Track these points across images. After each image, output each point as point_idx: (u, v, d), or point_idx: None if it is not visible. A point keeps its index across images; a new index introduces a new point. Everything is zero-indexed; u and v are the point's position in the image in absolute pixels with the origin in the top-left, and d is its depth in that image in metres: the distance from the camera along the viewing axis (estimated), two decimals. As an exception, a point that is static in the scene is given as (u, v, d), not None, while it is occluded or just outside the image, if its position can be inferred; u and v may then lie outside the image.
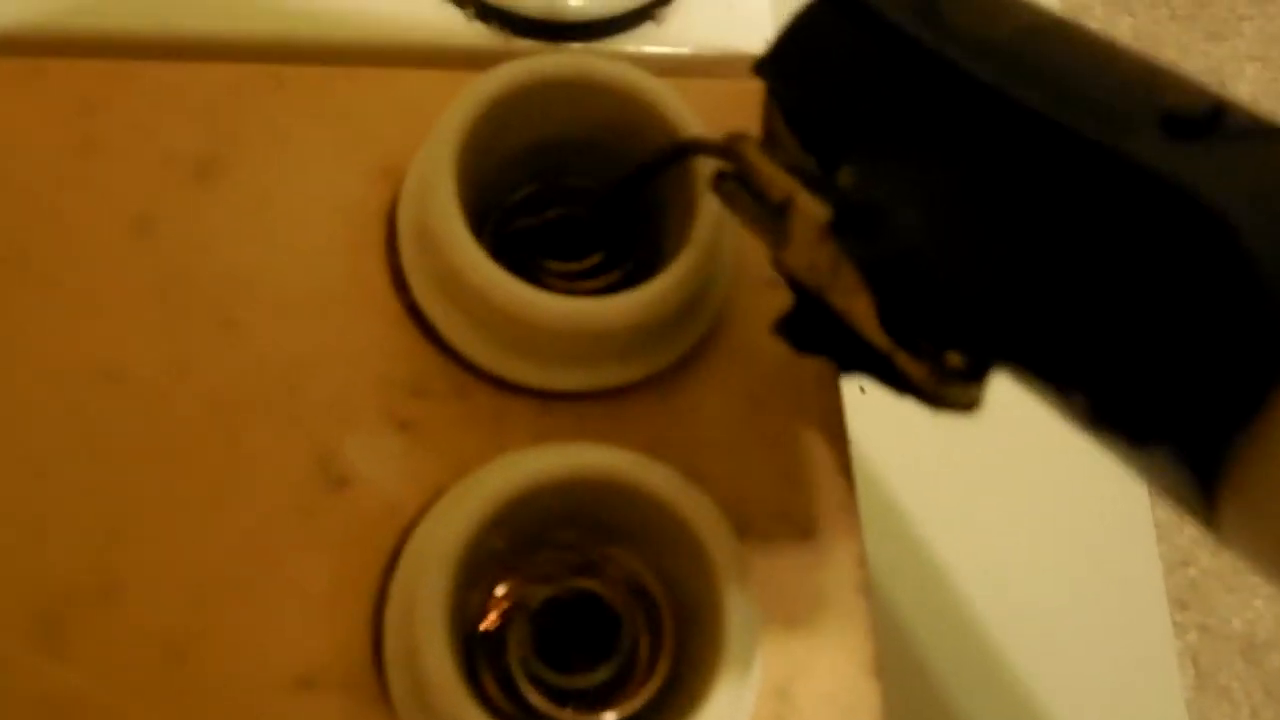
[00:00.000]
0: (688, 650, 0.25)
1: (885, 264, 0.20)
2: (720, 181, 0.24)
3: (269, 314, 0.27)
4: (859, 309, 0.21)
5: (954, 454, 0.42)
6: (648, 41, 0.32)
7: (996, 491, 0.42)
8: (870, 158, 0.20)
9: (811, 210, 0.21)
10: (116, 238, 0.28)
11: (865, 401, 0.36)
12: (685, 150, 0.26)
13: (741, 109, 0.28)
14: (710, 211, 0.26)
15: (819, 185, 0.21)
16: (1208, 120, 0.17)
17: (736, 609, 0.23)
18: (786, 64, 0.22)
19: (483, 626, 0.25)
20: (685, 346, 0.27)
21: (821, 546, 0.27)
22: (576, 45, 0.32)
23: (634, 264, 0.29)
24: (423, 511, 0.25)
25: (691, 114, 0.27)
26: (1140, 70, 0.19)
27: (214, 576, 0.25)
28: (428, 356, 0.27)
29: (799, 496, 0.27)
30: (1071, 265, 0.18)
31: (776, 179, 0.21)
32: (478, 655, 0.25)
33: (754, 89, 0.27)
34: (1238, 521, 0.17)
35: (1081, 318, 0.18)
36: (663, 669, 0.24)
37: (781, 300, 0.28)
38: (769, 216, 0.22)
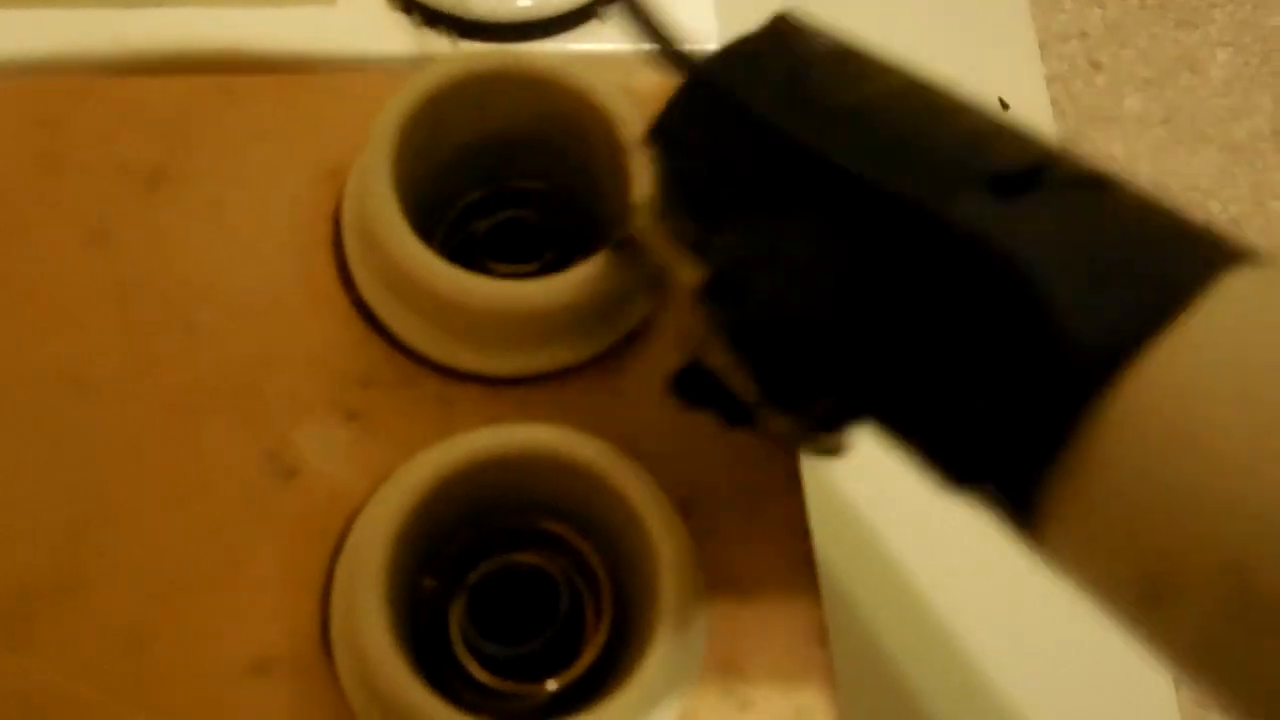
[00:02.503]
0: (629, 622, 0.25)
1: (743, 326, 0.21)
2: (616, 244, 0.25)
3: (223, 315, 0.28)
4: (730, 369, 0.22)
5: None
6: (593, 39, 0.33)
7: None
8: (738, 225, 0.22)
9: (686, 275, 0.22)
10: (76, 247, 0.29)
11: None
12: (581, 199, 0.27)
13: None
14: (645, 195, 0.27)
15: (695, 251, 0.22)
16: (1028, 177, 0.18)
17: (672, 573, 0.24)
18: (668, 135, 0.23)
19: (436, 609, 0.26)
20: (626, 328, 0.28)
21: (766, 520, 0.27)
22: (523, 45, 0.33)
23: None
24: (371, 497, 0.26)
25: (629, 105, 0.28)
26: (974, 130, 0.20)
27: (172, 570, 0.26)
28: (375, 348, 0.28)
29: (743, 472, 0.28)
30: (902, 323, 0.19)
31: (660, 245, 0.23)
32: (432, 642, 0.25)
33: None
34: (1056, 551, 0.18)
35: (910, 370, 0.19)
36: (601, 638, 0.25)
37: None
38: (656, 282, 0.23)
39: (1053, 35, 0.57)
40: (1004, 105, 0.54)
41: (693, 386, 0.25)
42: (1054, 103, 0.56)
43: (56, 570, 0.26)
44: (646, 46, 0.34)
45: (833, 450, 0.23)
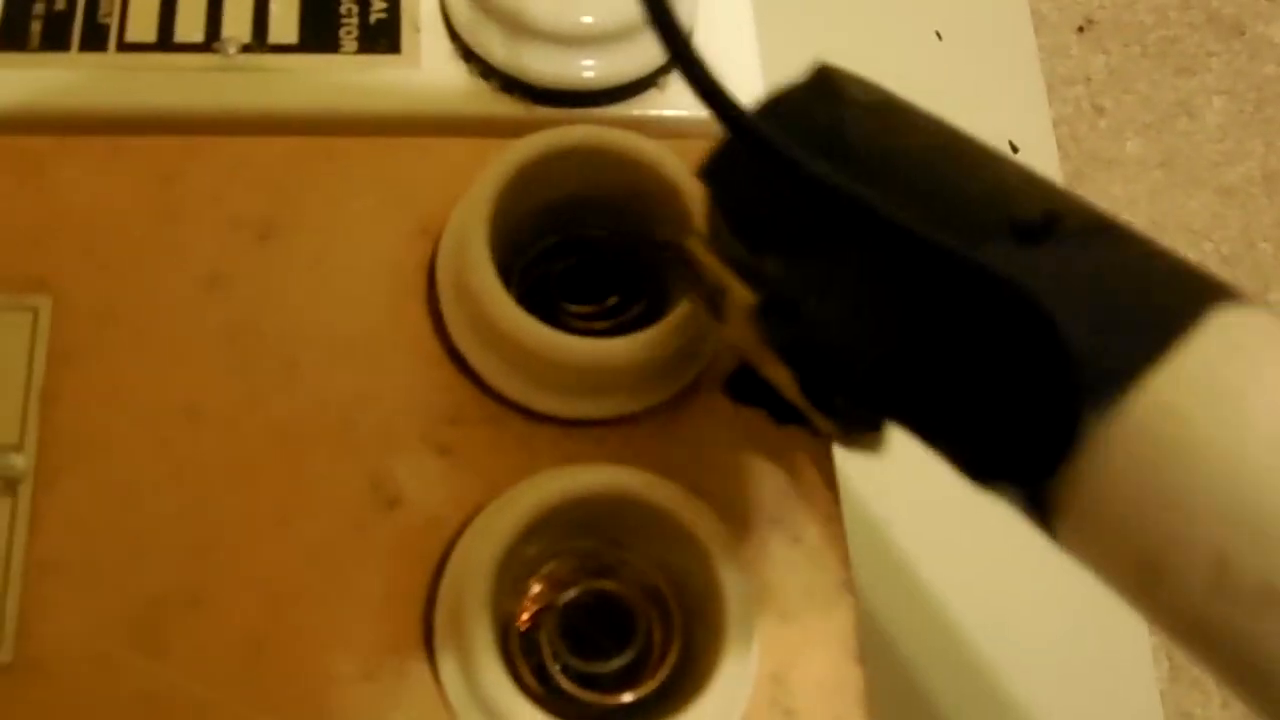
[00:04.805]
0: (695, 640, 0.28)
1: (796, 345, 0.24)
2: (673, 264, 0.28)
3: (326, 356, 0.31)
4: (781, 377, 0.25)
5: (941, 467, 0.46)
6: (652, 106, 0.36)
7: (991, 506, 0.46)
8: (788, 254, 0.24)
9: (741, 296, 0.25)
10: (193, 293, 0.32)
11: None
12: (644, 245, 0.30)
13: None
14: (708, 260, 0.30)
15: (748, 275, 0.25)
16: (1045, 225, 0.22)
17: (735, 603, 0.27)
18: (720, 174, 0.25)
19: (519, 625, 0.29)
20: (689, 378, 0.31)
21: (811, 550, 0.31)
22: (589, 111, 0.36)
23: (645, 305, 0.33)
24: (464, 526, 0.29)
25: (688, 172, 0.31)
26: (1000, 181, 0.23)
27: (286, 585, 0.29)
28: (464, 391, 0.31)
29: (790, 507, 0.31)
30: (933, 348, 0.22)
31: (714, 269, 0.25)
32: (514, 650, 0.29)
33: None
34: (1068, 540, 0.22)
35: (939, 387, 0.22)
36: (673, 657, 0.28)
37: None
38: (711, 299, 0.26)
39: (1059, 79, 0.61)
40: (1014, 149, 0.57)
41: (745, 389, 0.27)
42: (1059, 144, 0.59)
43: (182, 584, 0.29)
44: (701, 111, 0.37)
45: (870, 447, 0.26)
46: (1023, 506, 0.22)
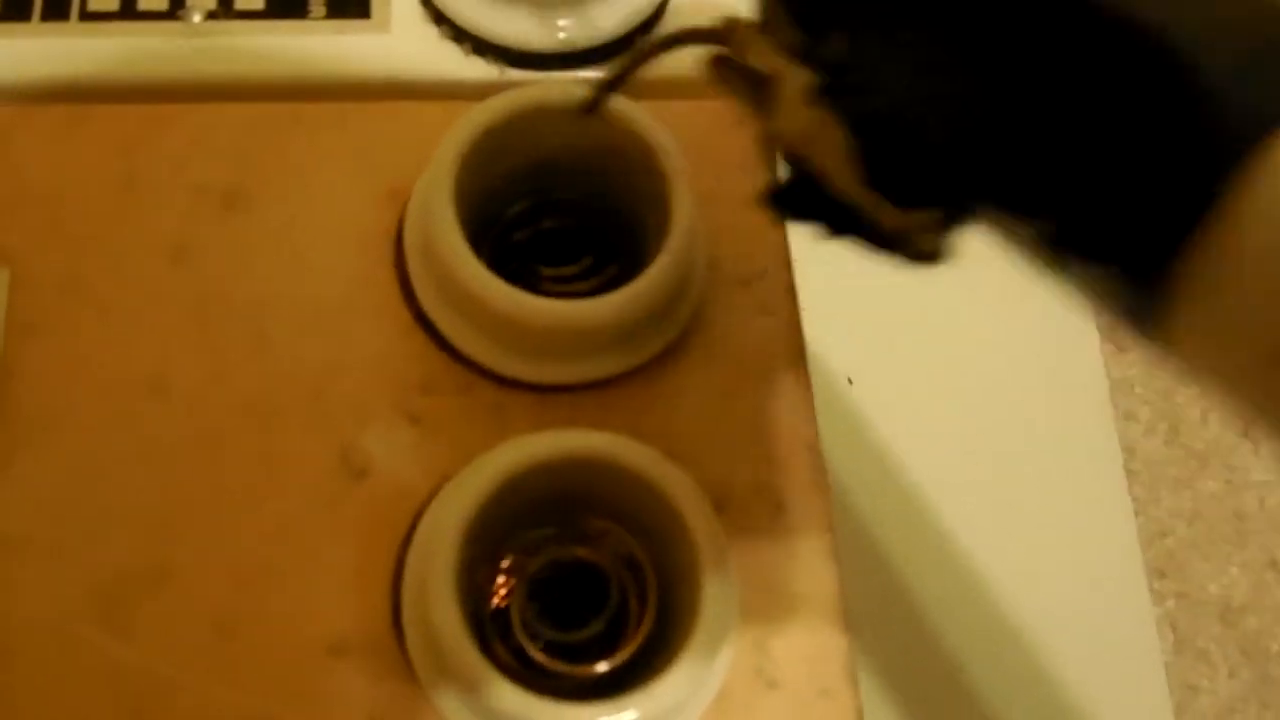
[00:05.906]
0: (672, 609, 0.28)
1: (871, 119, 0.22)
2: (716, 63, 0.26)
3: (294, 326, 0.31)
4: (840, 168, 0.23)
5: (955, 442, 0.45)
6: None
7: (993, 485, 0.45)
8: (856, 27, 0.23)
9: (799, 77, 0.23)
10: (158, 264, 0.31)
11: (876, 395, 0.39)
12: (683, 38, 0.27)
13: (704, 125, 0.31)
14: (684, 221, 0.29)
15: (807, 55, 0.23)
16: None
17: (712, 571, 0.26)
18: None
19: (493, 604, 0.28)
20: (665, 341, 0.30)
21: (793, 517, 0.30)
22: (564, 73, 0.35)
23: (619, 269, 0.32)
24: (433, 495, 0.29)
25: (661, 128, 0.30)
26: None
27: (253, 560, 0.29)
28: (435, 358, 0.30)
29: (772, 472, 0.30)
30: (1039, 105, 0.20)
31: (766, 54, 0.24)
32: (488, 624, 0.28)
33: (715, 107, 0.30)
34: (1181, 329, 0.19)
35: (1048, 150, 0.20)
36: (647, 624, 0.27)
37: (753, 297, 0.32)
38: (759, 89, 0.24)
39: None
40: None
41: (796, 200, 0.25)
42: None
43: (147, 561, 0.29)
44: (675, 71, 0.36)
45: (938, 254, 0.23)
46: (1122, 294, 0.19)
